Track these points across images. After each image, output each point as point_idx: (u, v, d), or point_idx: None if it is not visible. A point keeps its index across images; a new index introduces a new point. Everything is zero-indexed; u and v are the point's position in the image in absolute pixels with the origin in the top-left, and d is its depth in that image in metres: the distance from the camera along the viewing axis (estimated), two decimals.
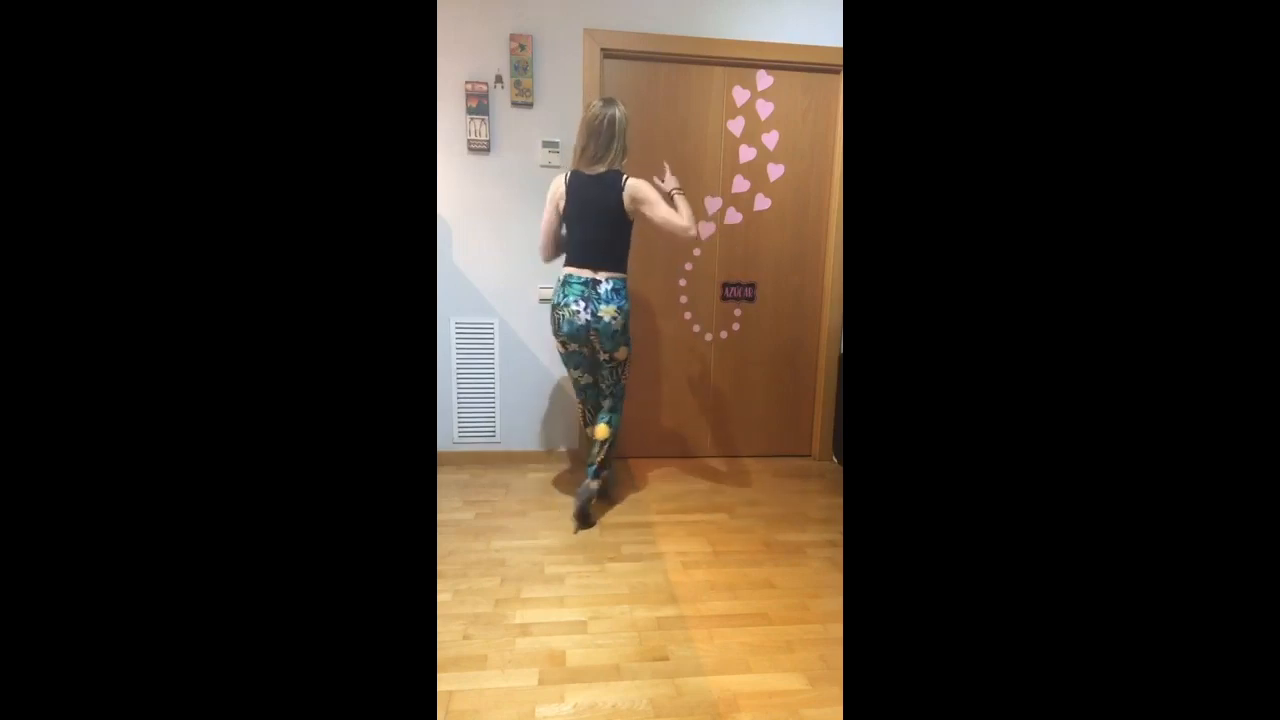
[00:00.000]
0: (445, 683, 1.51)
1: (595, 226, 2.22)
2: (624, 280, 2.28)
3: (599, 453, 2.41)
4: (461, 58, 2.65)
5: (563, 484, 2.74)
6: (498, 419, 2.92)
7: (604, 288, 2.22)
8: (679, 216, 2.20)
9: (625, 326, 2.28)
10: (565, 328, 2.26)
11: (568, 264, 2.27)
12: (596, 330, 2.24)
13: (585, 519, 2.35)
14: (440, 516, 2.39)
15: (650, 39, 2.73)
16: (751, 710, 1.46)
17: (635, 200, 2.19)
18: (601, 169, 2.20)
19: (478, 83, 2.66)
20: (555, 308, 2.27)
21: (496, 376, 2.89)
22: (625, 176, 2.20)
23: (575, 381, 2.47)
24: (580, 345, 2.31)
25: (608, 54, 2.74)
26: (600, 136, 2.19)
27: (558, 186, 2.26)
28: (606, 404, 2.44)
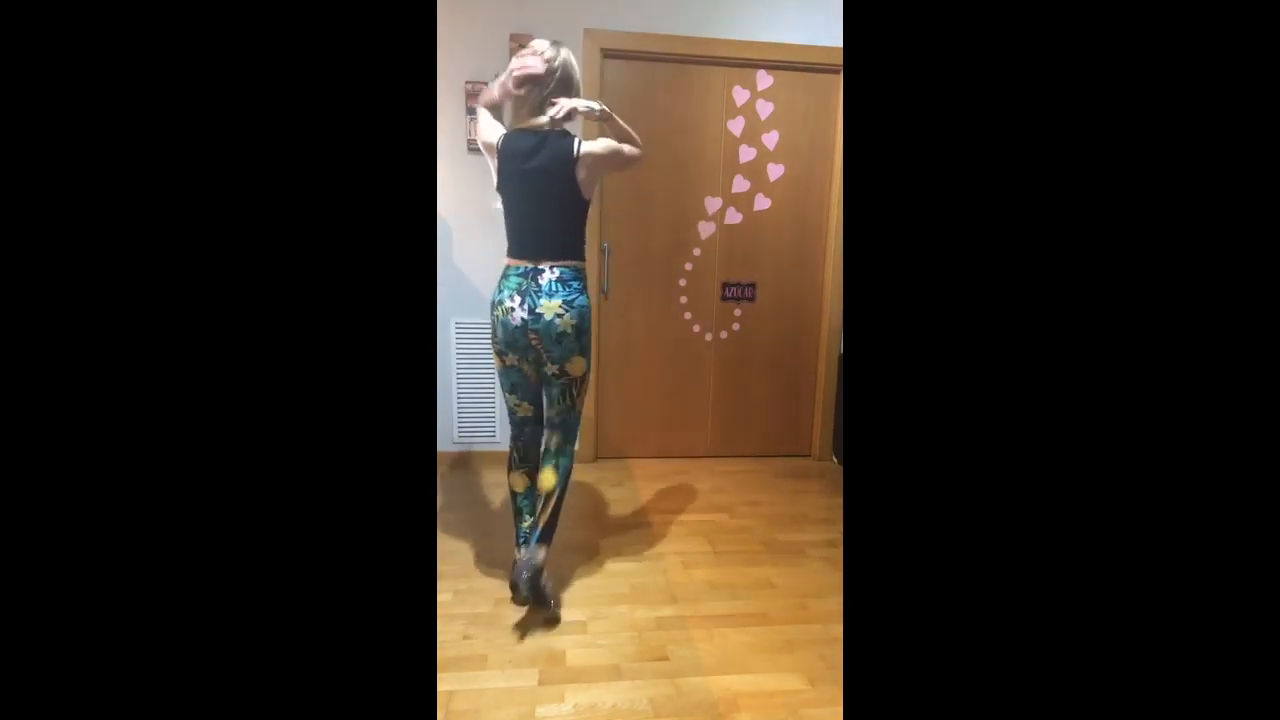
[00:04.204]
0: (445, 683, 1.51)
1: (536, 207, 1.69)
2: (577, 269, 1.72)
3: (543, 509, 1.76)
4: (461, 58, 2.65)
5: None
6: (498, 419, 2.92)
7: (546, 278, 1.68)
8: (632, 135, 1.75)
9: (580, 330, 1.71)
10: (500, 332, 1.72)
11: (507, 255, 1.75)
12: (537, 333, 1.68)
13: (537, 594, 1.70)
14: (440, 516, 2.39)
15: (650, 39, 2.73)
16: (751, 710, 1.46)
17: (595, 160, 1.69)
18: (545, 122, 1.67)
19: (478, 83, 2.66)
20: (491, 308, 1.75)
21: (496, 376, 2.89)
22: (578, 140, 1.68)
23: (511, 412, 1.84)
24: (519, 358, 1.74)
25: (608, 54, 2.74)
26: (555, 80, 1.66)
27: (494, 134, 1.73)
28: (554, 440, 1.80)
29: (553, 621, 1.75)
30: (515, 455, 1.87)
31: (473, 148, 2.70)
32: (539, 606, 1.75)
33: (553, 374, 1.75)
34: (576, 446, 1.88)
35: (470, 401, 2.89)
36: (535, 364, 1.76)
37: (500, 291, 1.73)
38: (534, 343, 1.71)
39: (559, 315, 1.67)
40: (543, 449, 1.83)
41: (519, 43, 2.64)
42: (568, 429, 1.81)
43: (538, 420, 1.86)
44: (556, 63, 1.66)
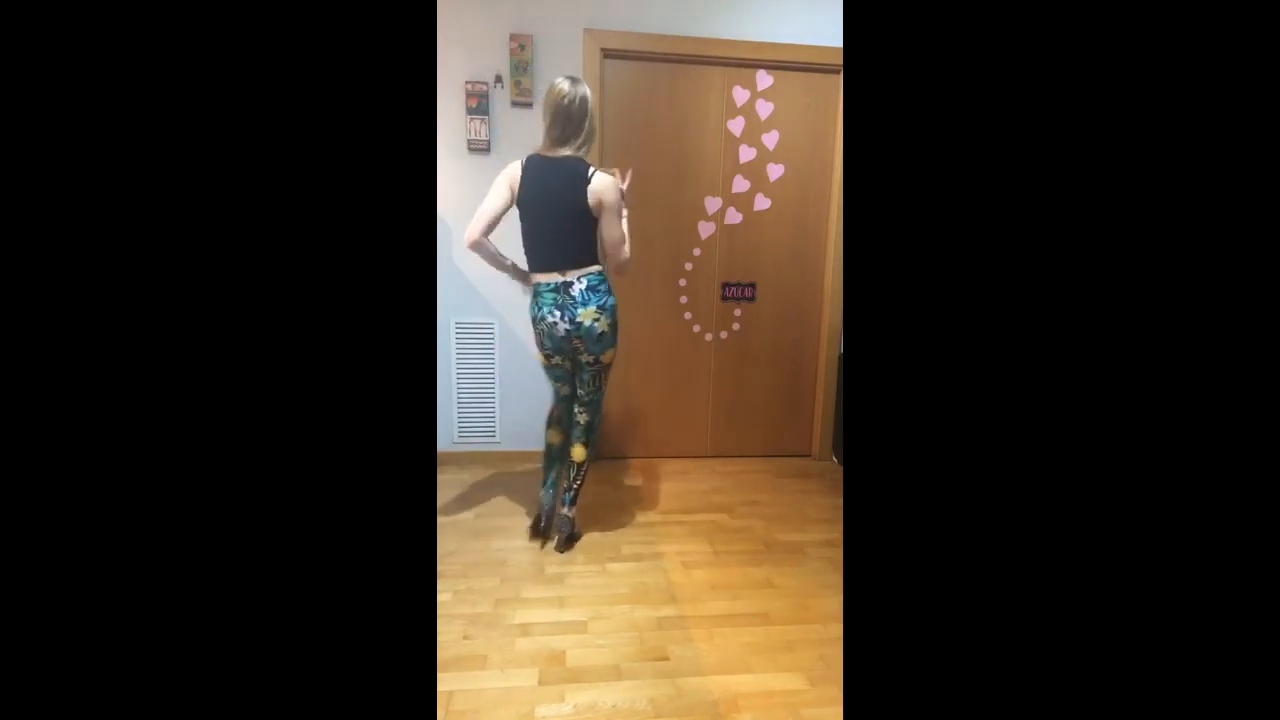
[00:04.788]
0: (445, 683, 1.51)
1: (555, 220, 1.94)
2: (600, 274, 2.02)
3: (575, 477, 2.22)
4: (461, 58, 2.65)
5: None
6: (498, 419, 2.92)
7: (577, 289, 1.97)
8: (626, 243, 2.02)
9: (613, 326, 2.05)
10: (549, 343, 2.04)
11: (533, 269, 2.02)
12: (580, 338, 2.01)
13: (571, 539, 2.20)
14: (440, 517, 2.39)
15: (650, 39, 2.73)
16: (751, 710, 1.46)
17: (600, 201, 1.93)
18: (567, 151, 1.93)
19: (478, 83, 2.66)
20: (534, 322, 2.05)
21: (496, 376, 2.89)
22: (592, 169, 1.92)
23: (556, 392, 2.22)
24: (564, 358, 2.09)
25: (608, 54, 2.74)
26: (571, 117, 1.91)
27: (513, 170, 1.99)
28: (583, 418, 2.19)
29: (574, 539, 2.23)
30: (553, 416, 2.25)
31: (473, 148, 2.70)
32: (570, 544, 2.21)
33: (588, 363, 2.09)
34: (598, 422, 2.28)
35: (470, 401, 2.89)
36: (574, 359, 2.10)
37: (539, 308, 2.02)
38: (576, 345, 2.04)
39: (595, 320, 2.00)
40: (574, 425, 2.22)
41: (519, 43, 2.64)
42: (594, 407, 2.19)
43: (573, 396, 2.21)
44: (577, 99, 1.91)
